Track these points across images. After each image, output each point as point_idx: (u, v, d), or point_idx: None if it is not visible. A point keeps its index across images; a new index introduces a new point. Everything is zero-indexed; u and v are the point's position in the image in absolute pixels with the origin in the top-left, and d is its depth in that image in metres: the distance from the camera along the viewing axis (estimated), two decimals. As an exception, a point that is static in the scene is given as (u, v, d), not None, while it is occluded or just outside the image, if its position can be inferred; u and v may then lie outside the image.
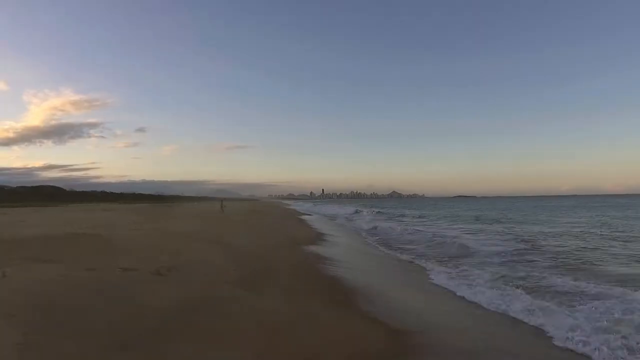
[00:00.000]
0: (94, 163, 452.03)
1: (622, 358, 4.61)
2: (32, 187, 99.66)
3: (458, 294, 7.94)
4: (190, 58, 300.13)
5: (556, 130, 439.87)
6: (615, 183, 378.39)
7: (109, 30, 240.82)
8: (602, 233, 20.25)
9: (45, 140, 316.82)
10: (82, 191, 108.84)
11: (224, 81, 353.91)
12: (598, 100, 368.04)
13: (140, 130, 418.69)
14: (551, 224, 27.57)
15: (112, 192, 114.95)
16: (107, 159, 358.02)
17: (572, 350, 4.94)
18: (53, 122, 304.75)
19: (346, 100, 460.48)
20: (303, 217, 37.74)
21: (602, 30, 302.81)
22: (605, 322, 5.57)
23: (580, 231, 21.46)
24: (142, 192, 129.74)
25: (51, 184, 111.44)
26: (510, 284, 8.37)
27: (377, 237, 19.91)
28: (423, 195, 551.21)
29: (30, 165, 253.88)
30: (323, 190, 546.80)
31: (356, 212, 45.97)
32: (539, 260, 11.89)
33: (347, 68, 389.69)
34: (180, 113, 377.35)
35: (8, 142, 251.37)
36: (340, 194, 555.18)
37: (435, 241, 17.10)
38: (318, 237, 17.16)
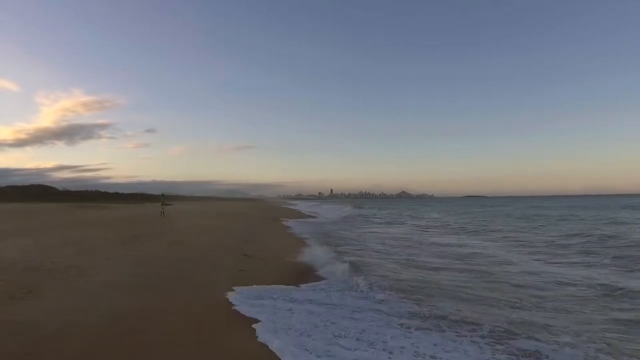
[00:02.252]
0: (104, 164, 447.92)
1: None
2: (22, 187, 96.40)
3: None
4: (199, 58, 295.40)
5: (565, 129, 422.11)
6: (629, 183, 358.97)
7: (119, 31, 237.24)
8: None
9: (56, 142, 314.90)
10: (77, 190, 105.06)
11: (233, 81, 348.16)
12: (609, 98, 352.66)
13: (150, 131, 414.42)
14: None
15: (106, 192, 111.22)
16: (118, 159, 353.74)
17: None
18: (64, 124, 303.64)
19: (355, 100, 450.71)
20: (290, 221, 30.94)
21: (610, 28, 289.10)
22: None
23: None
24: (147, 193, 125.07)
25: (62, 185, 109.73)
26: None
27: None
28: (432, 195, 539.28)
29: (42, 167, 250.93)
30: (332, 190, 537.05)
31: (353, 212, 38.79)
32: None
33: (356, 68, 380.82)
34: (189, 113, 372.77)
35: (20, 144, 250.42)
36: (349, 194, 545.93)
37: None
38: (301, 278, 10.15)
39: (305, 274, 9.53)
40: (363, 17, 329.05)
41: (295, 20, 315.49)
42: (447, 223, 30.41)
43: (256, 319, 5.72)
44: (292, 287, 8.10)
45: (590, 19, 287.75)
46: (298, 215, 42.55)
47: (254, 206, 65.46)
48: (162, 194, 29.64)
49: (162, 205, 25.06)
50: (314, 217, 40.37)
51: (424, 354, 4.71)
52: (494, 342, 5.11)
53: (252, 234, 17.96)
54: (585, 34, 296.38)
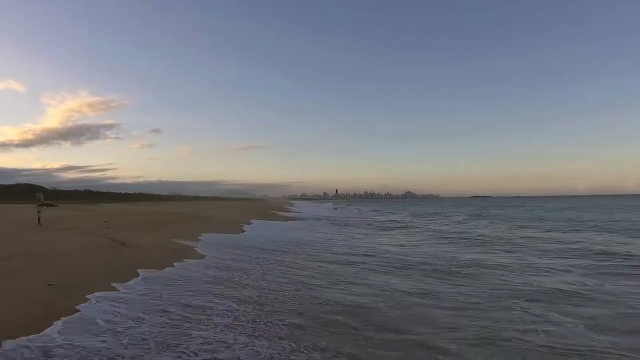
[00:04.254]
0: (110, 164, 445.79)
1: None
2: (6, 186, 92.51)
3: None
4: (204, 59, 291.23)
5: (569, 129, 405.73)
6: (637, 183, 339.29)
7: (124, 31, 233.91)
8: None
9: (63, 142, 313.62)
10: (66, 190, 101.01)
11: (238, 82, 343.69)
12: (614, 97, 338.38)
13: (156, 131, 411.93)
14: None
15: (98, 192, 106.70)
16: (123, 159, 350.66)
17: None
18: (70, 124, 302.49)
19: (360, 100, 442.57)
20: (255, 222, 24.04)
21: (617, 29, 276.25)
22: None
23: None
24: (149, 193, 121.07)
25: (70, 185, 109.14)
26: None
27: None
28: (438, 195, 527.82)
29: (48, 167, 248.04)
30: (337, 190, 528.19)
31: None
32: None
33: (361, 68, 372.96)
34: (194, 114, 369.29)
35: (27, 144, 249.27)
36: (354, 194, 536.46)
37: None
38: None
39: None
40: (363, 17, 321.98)
41: (302, 21, 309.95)
42: (473, 229, 23.35)
43: None
44: None
45: (590, 19, 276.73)
46: (278, 216, 35.98)
47: (248, 206, 58.77)
48: (38, 192, 20.90)
49: (37, 208, 16.70)
50: (300, 218, 33.62)
51: None
52: None
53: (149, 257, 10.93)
54: (598, 32, 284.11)
